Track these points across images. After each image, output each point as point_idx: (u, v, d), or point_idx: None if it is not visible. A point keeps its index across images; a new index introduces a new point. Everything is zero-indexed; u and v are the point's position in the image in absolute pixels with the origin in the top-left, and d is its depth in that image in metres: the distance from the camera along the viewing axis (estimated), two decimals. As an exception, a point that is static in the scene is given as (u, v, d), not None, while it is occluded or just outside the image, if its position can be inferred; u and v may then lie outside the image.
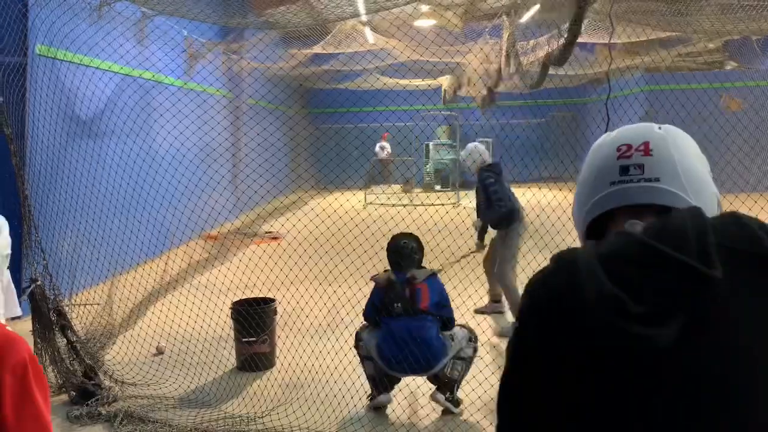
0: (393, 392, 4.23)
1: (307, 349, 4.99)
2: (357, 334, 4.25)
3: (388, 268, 4.30)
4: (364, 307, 4.26)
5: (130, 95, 7.48)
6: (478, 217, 6.37)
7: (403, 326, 3.98)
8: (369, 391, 4.22)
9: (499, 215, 5.79)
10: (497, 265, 5.88)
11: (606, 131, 4.35)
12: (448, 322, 4.12)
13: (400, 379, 4.21)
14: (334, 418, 4.03)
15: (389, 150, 19.79)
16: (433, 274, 4.20)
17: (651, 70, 15.27)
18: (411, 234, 4.42)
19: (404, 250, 4.23)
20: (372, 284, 4.27)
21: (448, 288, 4.32)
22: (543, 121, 20.37)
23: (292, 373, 4.72)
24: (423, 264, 4.36)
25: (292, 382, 4.61)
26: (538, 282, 1.01)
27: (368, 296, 4.26)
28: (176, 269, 7.86)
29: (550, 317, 0.95)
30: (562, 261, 0.99)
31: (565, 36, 4.73)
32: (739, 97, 14.86)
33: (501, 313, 6.33)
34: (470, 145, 6.17)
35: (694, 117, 12.83)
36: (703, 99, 13.50)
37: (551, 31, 6.60)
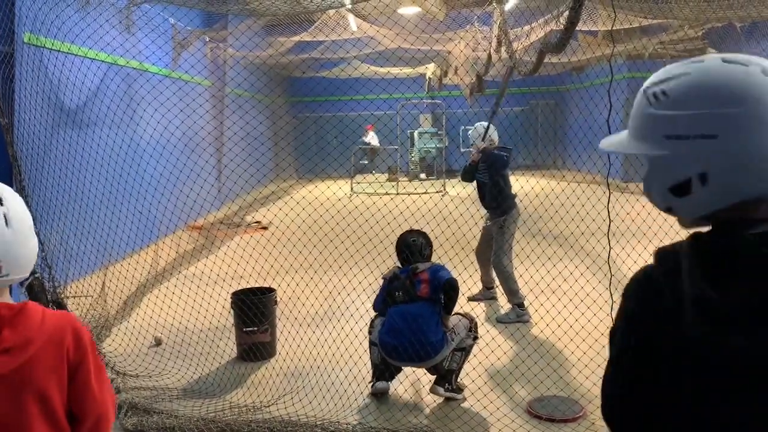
0: (398, 379, 4.27)
1: (305, 337, 4.99)
2: (371, 320, 4.30)
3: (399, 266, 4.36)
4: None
5: (118, 84, 7.37)
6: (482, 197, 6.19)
7: (401, 312, 4.04)
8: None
9: (506, 198, 5.83)
10: (494, 253, 5.90)
11: (608, 117, 4.32)
12: (448, 285, 4.04)
13: (401, 369, 4.23)
14: (340, 406, 4.03)
15: (376, 141, 19.72)
16: (437, 263, 4.25)
17: (633, 57, 15.38)
18: (420, 231, 4.46)
19: (413, 247, 4.29)
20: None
21: None
22: (526, 108, 20.47)
23: (298, 362, 4.71)
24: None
25: (297, 371, 4.60)
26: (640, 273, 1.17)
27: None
28: (165, 260, 7.79)
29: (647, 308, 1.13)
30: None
31: (564, 23, 4.74)
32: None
33: (494, 299, 6.36)
34: (482, 124, 6.02)
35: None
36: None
37: (545, 16, 6.61)
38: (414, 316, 3.99)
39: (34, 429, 1.51)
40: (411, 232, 4.45)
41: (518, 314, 5.70)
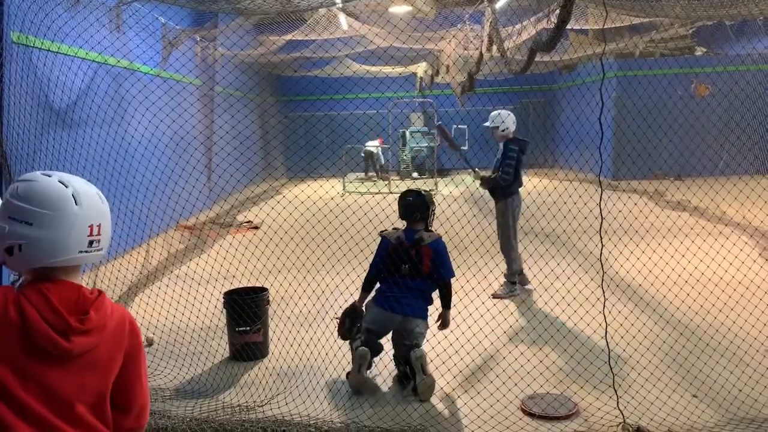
0: (390, 377, 4.36)
1: (297, 337, 4.97)
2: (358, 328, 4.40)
3: (396, 227, 4.51)
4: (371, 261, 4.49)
5: (108, 84, 7.32)
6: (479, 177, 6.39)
7: (405, 285, 4.29)
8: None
9: (496, 185, 6.14)
10: (500, 236, 6.21)
11: (600, 115, 4.35)
12: (443, 287, 4.34)
13: (382, 349, 4.33)
14: (334, 406, 4.03)
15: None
16: (439, 237, 4.38)
17: (622, 56, 15.43)
18: (419, 190, 4.61)
19: (410, 206, 4.42)
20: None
21: None
22: (518, 106, 20.51)
23: (290, 362, 4.69)
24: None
25: (290, 371, 4.58)
26: None
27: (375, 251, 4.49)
28: (156, 260, 7.75)
29: None
30: None
31: (555, 21, 4.74)
32: (708, 83, 15.15)
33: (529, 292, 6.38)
34: (502, 112, 6.31)
35: (665, 101, 13.04)
36: (667, 84, 13.73)
37: (536, 15, 6.63)
38: (415, 291, 4.29)
39: (84, 411, 1.58)
40: (412, 190, 4.59)
41: (510, 290, 6.17)
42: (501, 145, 6.27)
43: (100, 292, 1.63)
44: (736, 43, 13.73)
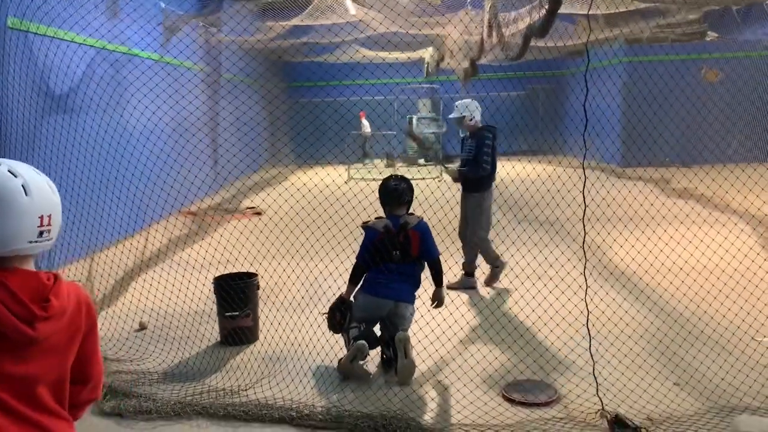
0: (372, 364, 4.37)
1: (289, 322, 5.01)
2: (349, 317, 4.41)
3: (381, 216, 4.50)
4: (357, 252, 4.46)
5: (105, 69, 7.36)
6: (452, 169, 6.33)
7: (397, 270, 4.33)
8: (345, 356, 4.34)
9: (477, 176, 6.03)
10: (470, 228, 6.12)
11: (585, 102, 4.32)
12: (433, 266, 4.40)
13: (378, 342, 4.34)
14: (318, 390, 4.07)
15: (368, 128, 19.55)
16: (421, 219, 4.43)
17: (631, 42, 15.25)
18: (402, 176, 4.61)
19: (396, 192, 4.44)
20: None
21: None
22: (522, 93, 20.32)
23: (276, 347, 4.74)
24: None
25: (275, 356, 4.63)
26: None
27: (361, 242, 4.47)
28: (156, 245, 7.81)
29: None
30: None
31: (546, 6, 4.73)
32: (716, 68, 14.94)
33: (473, 288, 6.26)
34: (469, 101, 6.23)
35: (673, 88, 12.89)
36: (681, 70, 13.56)
37: (533, 2, 6.58)
38: (403, 275, 4.35)
39: (45, 392, 1.62)
40: (393, 177, 4.60)
41: (494, 273, 6.21)
42: (468, 135, 6.20)
43: (57, 277, 1.65)
44: (742, 28, 13.51)
